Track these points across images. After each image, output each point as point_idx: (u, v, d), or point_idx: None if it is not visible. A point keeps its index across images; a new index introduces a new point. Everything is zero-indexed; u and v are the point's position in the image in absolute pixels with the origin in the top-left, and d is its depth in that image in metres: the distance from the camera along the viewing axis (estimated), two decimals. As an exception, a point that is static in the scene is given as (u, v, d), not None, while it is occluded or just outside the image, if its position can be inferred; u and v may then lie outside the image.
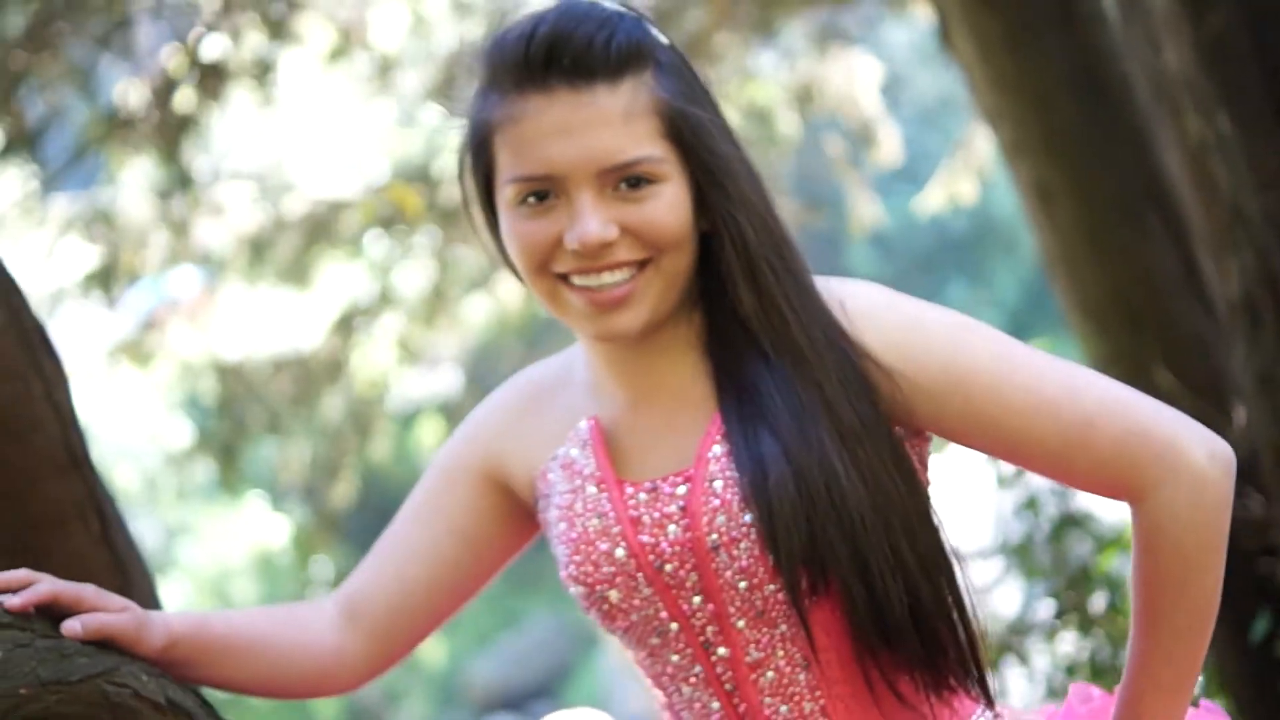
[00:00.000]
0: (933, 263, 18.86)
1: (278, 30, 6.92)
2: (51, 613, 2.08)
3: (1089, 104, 5.04)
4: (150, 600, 2.85)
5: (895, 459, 2.15)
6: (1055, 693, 4.73)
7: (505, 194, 2.17)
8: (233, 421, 8.72)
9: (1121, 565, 4.68)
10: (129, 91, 6.98)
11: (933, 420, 2.17)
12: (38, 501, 2.72)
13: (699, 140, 2.15)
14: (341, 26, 7.50)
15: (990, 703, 2.21)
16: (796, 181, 11.30)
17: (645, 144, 2.13)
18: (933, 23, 5.74)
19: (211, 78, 6.78)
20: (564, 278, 2.15)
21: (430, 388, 12.57)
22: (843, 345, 2.15)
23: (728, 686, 2.18)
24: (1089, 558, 4.80)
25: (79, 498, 2.76)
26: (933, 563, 2.15)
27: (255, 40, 6.92)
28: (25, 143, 6.58)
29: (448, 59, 7.86)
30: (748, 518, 2.11)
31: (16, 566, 2.13)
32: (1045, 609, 4.85)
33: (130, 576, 2.81)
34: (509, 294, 8.89)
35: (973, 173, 8.55)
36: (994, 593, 5.11)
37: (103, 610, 2.11)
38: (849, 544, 2.10)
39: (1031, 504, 4.89)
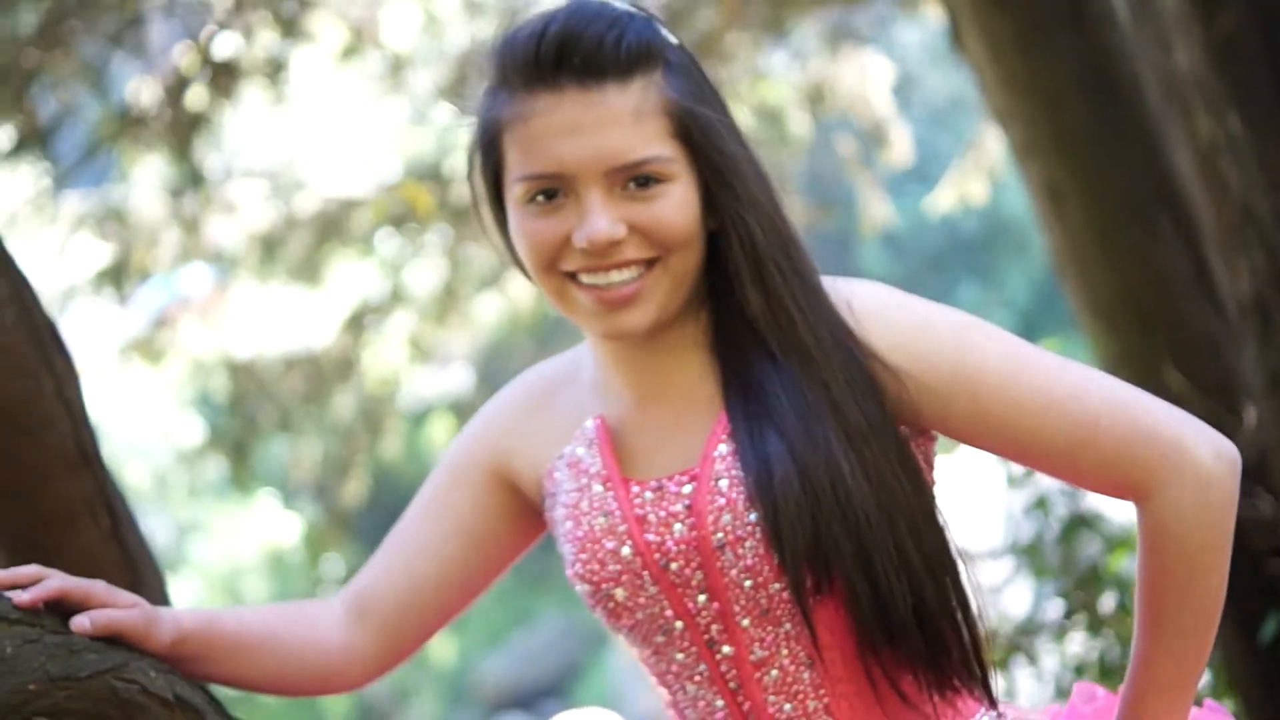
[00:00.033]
0: (943, 263, 18.85)
1: (290, 28, 6.93)
2: (61, 609, 2.09)
3: (1099, 104, 5.04)
4: (160, 597, 2.86)
5: (901, 459, 2.15)
6: (1064, 693, 4.73)
7: (514, 192, 2.17)
8: (244, 419, 8.73)
9: (1131, 566, 4.68)
10: (141, 89, 7.00)
11: (939, 420, 2.17)
12: (48, 498, 2.73)
13: (708, 140, 2.16)
14: (353, 25, 7.51)
15: (993, 703, 2.22)
16: (808, 181, 11.30)
17: (654, 143, 2.13)
18: (944, 23, 5.74)
19: (223, 76, 6.79)
20: (572, 276, 2.16)
21: (441, 386, 12.60)
22: (849, 345, 2.15)
23: (732, 685, 2.19)
24: (1099, 558, 4.79)
25: (89, 494, 2.77)
26: (937, 562, 2.15)
27: (267, 38, 6.93)
28: (37, 140, 6.59)
29: (459, 58, 7.87)
30: (753, 516, 2.12)
31: (27, 563, 2.14)
32: (1054, 609, 4.85)
33: (140, 573, 2.82)
34: (520, 293, 8.90)
35: (983, 173, 8.55)
36: (1003, 592, 5.11)
37: (112, 606, 2.12)
38: (854, 543, 2.10)
39: (1041, 504, 4.89)
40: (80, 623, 2.08)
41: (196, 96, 6.85)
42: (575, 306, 2.18)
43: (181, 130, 6.85)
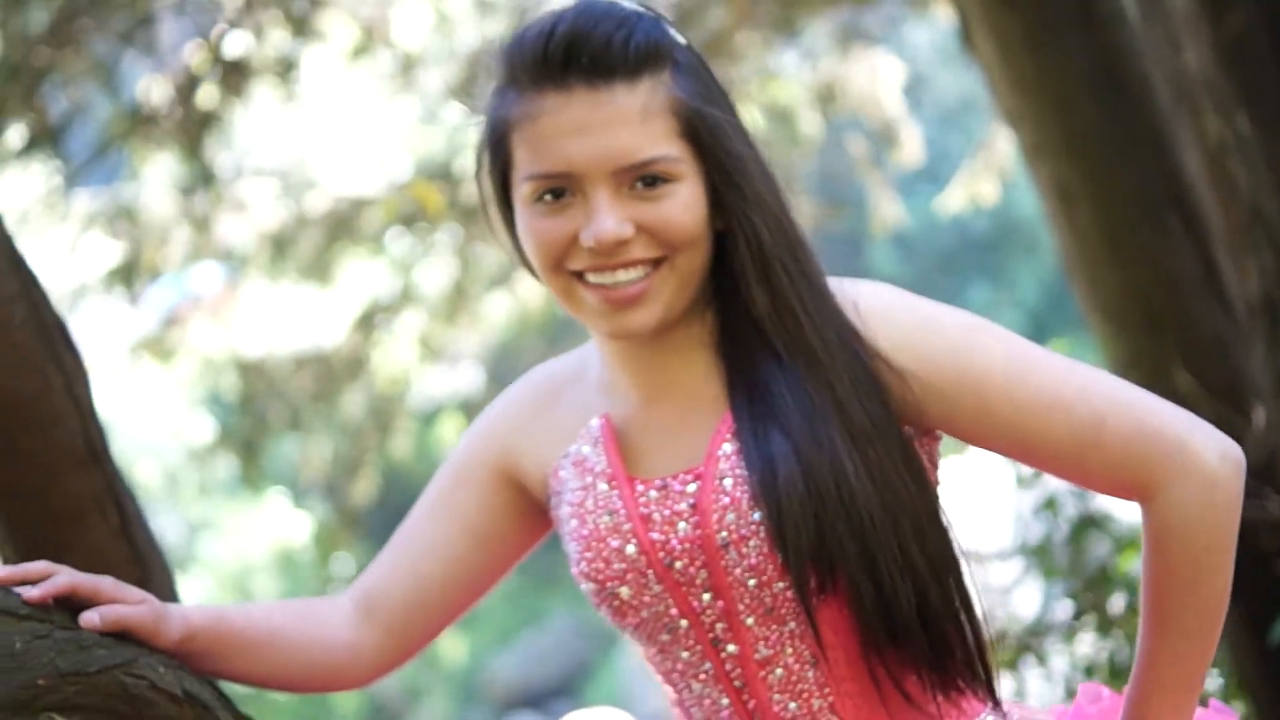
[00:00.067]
0: (954, 263, 18.84)
1: (300, 27, 6.94)
2: (70, 604, 2.09)
3: (1109, 104, 5.03)
4: (168, 594, 2.86)
5: (905, 459, 2.15)
6: (1073, 694, 4.71)
7: (522, 191, 2.18)
8: (254, 418, 8.74)
9: (1140, 566, 4.67)
10: (152, 88, 7.01)
11: (945, 420, 2.17)
12: (57, 495, 2.73)
13: (715, 140, 2.16)
14: (364, 24, 7.52)
15: (996, 704, 2.22)
16: (818, 181, 11.31)
17: (662, 143, 2.14)
18: (954, 23, 5.74)
19: (234, 74, 6.80)
20: (579, 275, 2.16)
21: (451, 385, 12.59)
22: (855, 346, 2.15)
23: (737, 683, 2.19)
24: (1108, 558, 4.79)
25: (98, 491, 2.77)
26: (941, 563, 2.15)
27: (278, 37, 6.94)
28: (48, 139, 6.61)
29: (470, 57, 7.87)
30: (757, 515, 2.12)
31: (36, 559, 2.15)
32: (1064, 610, 4.85)
33: (149, 570, 2.83)
34: (530, 292, 8.90)
35: (994, 173, 8.55)
36: (1013, 593, 5.10)
37: (121, 602, 2.13)
38: (857, 542, 2.10)
39: (1050, 505, 4.88)
40: (89, 618, 2.08)
41: (207, 95, 6.86)
42: (582, 306, 2.18)
43: (192, 129, 6.86)
